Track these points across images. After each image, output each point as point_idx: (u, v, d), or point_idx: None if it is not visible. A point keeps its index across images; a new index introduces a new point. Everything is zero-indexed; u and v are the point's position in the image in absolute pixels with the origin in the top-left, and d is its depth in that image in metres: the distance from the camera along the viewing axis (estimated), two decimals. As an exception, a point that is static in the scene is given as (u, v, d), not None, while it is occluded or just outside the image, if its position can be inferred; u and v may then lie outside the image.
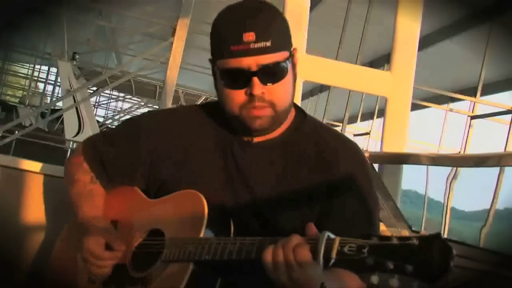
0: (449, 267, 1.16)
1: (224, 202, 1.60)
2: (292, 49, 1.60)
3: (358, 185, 1.61)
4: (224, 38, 1.53)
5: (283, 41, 1.56)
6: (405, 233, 2.69)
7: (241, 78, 1.53)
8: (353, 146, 1.69)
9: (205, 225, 1.51)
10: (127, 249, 1.64)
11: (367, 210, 1.60)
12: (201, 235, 1.50)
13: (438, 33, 8.30)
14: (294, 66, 1.60)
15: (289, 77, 1.57)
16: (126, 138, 1.75)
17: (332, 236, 1.29)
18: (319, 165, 1.61)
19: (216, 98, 1.66)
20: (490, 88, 9.29)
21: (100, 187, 1.77)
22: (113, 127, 1.88)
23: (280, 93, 1.56)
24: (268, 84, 1.53)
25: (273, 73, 1.53)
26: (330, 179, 1.60)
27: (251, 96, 1.53)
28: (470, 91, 9.22)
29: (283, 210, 1.60)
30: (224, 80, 1.57)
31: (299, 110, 1.71)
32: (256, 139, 1.64)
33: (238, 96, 1.55)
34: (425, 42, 7.62)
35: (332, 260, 1.26)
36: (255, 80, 1.52)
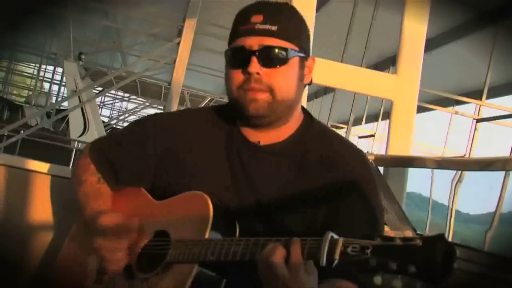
0: (452, 268, 1.15)
1: (230, 205, 1.60)
2: (307, 54, 1.65)
3: (363, 190, 1.61)
4: (236, 21, 1.62)
5: (292, 33, 1.60)
6: (409, 234, 2.68)
7: (242, 57, 1.57)
8: (359, 152, 1.70)
9: (210, 226, 1.51)
10: (133, 249, 1.64)
11: (373, 215, 1.60)
12: (206, 236, 1.50)
13: (443, 36, 8.28)
14: (302, 65, 1.63)
15: (290, 68, 1.59)
16: (133, 140, 1.76)
17: (335, 236, 1.28)
18: (325, 169, 1.62)
19: (222, 100, 1.67)
20: (496, 91, 9.26)
21: (107, 187, 1.77)
22: (120, 128, 1.92)
23: (279, 80, 1.58)
24: (266, 66, 1.56)
25: (272, 57, 1.56)
26: (336, 184, 1.61)
27: (248, 75, 1.56)
28: (476, 94, 9.19)
29: (288, 213, 1.60)
30: (228, 60, 1.62)
31: (306, 114, 1.72)
32: (263, 143, 1.65)
33: (237, 75, 1.59)
34: (430, 45, 7.61)
35: (336, 261, 1.25)
36: (253, 59, 1.56)
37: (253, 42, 1.56)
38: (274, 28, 1.56)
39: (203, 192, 1.56)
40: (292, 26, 1.61)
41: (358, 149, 1.72)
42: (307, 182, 1.61)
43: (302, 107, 1.71)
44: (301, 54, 1.62)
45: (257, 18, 1.57)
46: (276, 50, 1.57)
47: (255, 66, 1.55)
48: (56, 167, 2.34)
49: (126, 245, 1.63)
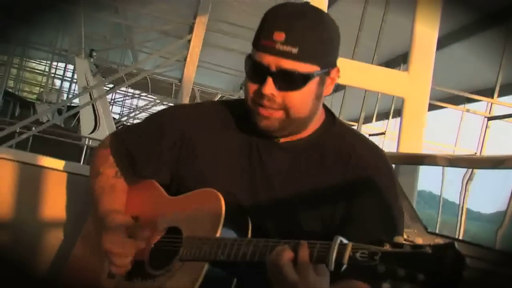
0: (461, 277, 1.14)
1: (244, 202, 1.59)
2: (330, 68, 1.57)
3: (382, 192, 1.58)
4: (261, 29, 1.54)
5: (314, 54, 1.52)
6: (419, 240, 2.66)
7: (259, 74, 1.53)
8: (380, 153, 1.67)
9: (221, 225, 1.50)
10: (145, 245, 1.63)
11: (391, 218, 1.57)
12: (218, 234, 1.49)
13: (455, 33, 8.23)
14: (322, 82, 1.57)
15: (307, 90, 1.54)
16: (153, 132, 1.75)
17: (344, 241, 1.28)
18: (344, 170, 1.59)
19: (233, 97, 1.66)
20: (508, 89, 9.19)
21: (123, 182, 1.77)
22: (140, 121, 1.96)
23: (294, 102, 1.53)
24: (281, 90, 1.52)
25: (288, 80, 1.51)
26: (355, 184, 1.58)
27: (262, 94, 1.53)
28: (487, 92, 9.13)
29: (305, 211, 1.58)
30: (247, 69, 1.58)
31: (328, 113, 1.69)
32: (283, 139, 1.63)
33: (252, 89, 1.56)
34: (442, 42, 7.56)
35: (344, 266, 1.25)
36: (269, 80, 1.51)
37: (271, 62, 1.50)
38: (295, 50, 1.48)
39: (216, 189, 1.55)
40: (316, 45, 1.52)
41: (380, 150, 1.69)
42: (325, 181, 1.59)
43: (324, 105, 1.69)
44: (324, 71, 1.55)
45: (279, 36, 1.49)
46: (293, 74, 1.51)
47: (269, 88, 1.51)
48: (68, 164, 2.33)
49: (132, 250, 1.62)
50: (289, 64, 1.50)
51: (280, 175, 1.61)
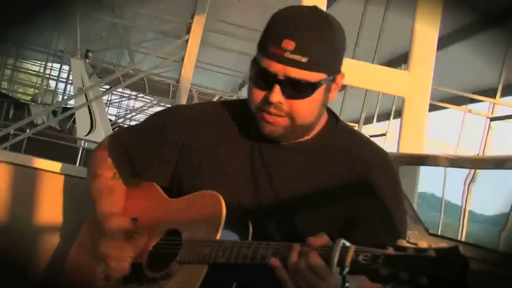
0: (464, 281, 1.14)
1: (246, 203, 1.59)
2: (336, 74, 1.57)
3: (385, 194, 1.59)
4: (269, 34, 1.53)
5: (322, 63, 1.51)
6: (423, 244, 2.62)
7: (266, 80, 1.52)
8: (384, 157, 1.67)
9: (222, 227, 1.50)
10: (144, 248, 1.64)
11: (393, 220, 1.58)
12: (218, 237, 1.49)
13: (458, 33, 8.21)
14: (328, 89, 1.57)
15: (314, 98, 1.54)
16: (154, 132, 1.74)
17: (347, 244, 1.28)
18: (347, 172, 1.60)
19: (231, 98, 1.59)
20: (510, 90, 9.18)
21: (121, 184, 1.76)
22: (140, 121, 1.99)
23: (300, 109, 1.54)
24: (289, 98, 1.52)
25: (296, 89, 1.51)
26: (357, 187, 1.59)
27: (268, 101, 1.53)
28: (490, 92, 9.13)
29: (307, 215, 1.58)
30: (253, 74, 1.55)
31: (331, 114, 1.68)
32: (286, 142, 1.61)
33: (258, 95, 1.55)
34: (445, 42, 7.51)
35: (346, 269, 1.25)
36: (276, 88, 1.51)
37: (279, 70, 1.50)
38: (304, 59, 1.48)
39: (217, 191, 1.55)
40: (325, 54, 1.51)
41: (384, 153, 1.69)
42: (328, 184, 1.60)
43: (327, 107, 1.66)
44: (330, 78, 1.55)
45: (288, 45, 1.47)
46: (301, 83, 1.50)
47: (277, 96, 1.51)
48: (63, 166, 2.32)
49: (130, 254, 1.64)
50: (297, 73, 1.49)
51: (283, 177, 1.61)
